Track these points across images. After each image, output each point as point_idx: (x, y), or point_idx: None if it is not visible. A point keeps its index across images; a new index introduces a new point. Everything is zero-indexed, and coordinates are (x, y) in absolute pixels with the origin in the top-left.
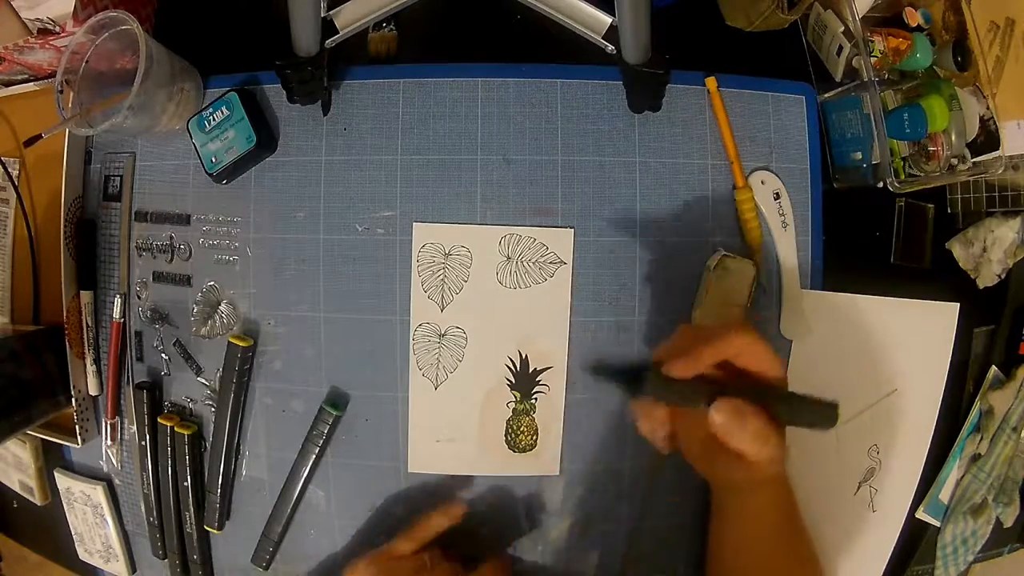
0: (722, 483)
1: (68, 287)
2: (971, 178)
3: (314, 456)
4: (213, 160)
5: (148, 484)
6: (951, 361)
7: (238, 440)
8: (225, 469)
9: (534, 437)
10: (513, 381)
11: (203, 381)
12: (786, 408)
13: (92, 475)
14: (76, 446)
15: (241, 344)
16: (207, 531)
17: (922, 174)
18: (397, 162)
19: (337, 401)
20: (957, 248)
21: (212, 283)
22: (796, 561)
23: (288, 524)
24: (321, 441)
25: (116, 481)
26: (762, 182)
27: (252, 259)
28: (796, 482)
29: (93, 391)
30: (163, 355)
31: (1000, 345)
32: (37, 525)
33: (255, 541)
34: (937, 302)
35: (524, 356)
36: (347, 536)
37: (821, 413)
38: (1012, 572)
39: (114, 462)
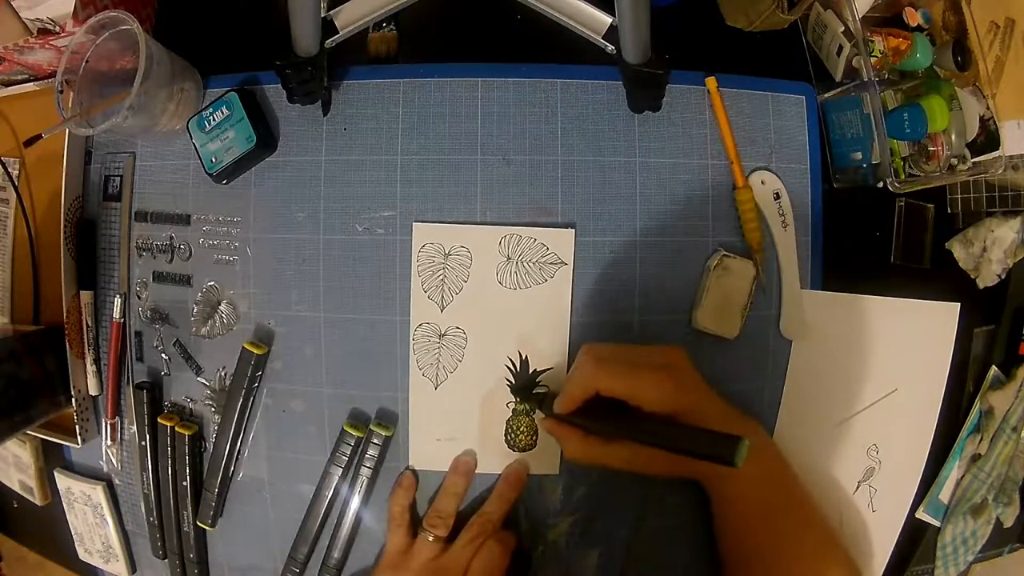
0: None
1: (68, 287)
2: (971, 178)
3: (340, 478)
4: (213, 160)
5: (148, 484)
6: (951, 361)
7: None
8: (225, 470)
9: (533, 437)
10: (513, 381)
11: (203, 381)
12: (678, 439)
13: (92, 475)
14: (76, 446)
15: (256, 351)
16: (204, 530)
17: (922, 174)
18: (397, 162)
19: (357, 422)
20: (957, 248)
21: (212, 283)
22: (803, 542)
23: (313, 546)
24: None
25: (116, 481)
26: (762, 182)
27: (252, 259)
28: None
29: (93, 391)
30: (163, 355)
31: (1000, 345)
32: (37, 525)
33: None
34: (937, 302)
35: (524, 356)
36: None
37: (718, 447)
38: (1012, 572)
39: (114, 462)
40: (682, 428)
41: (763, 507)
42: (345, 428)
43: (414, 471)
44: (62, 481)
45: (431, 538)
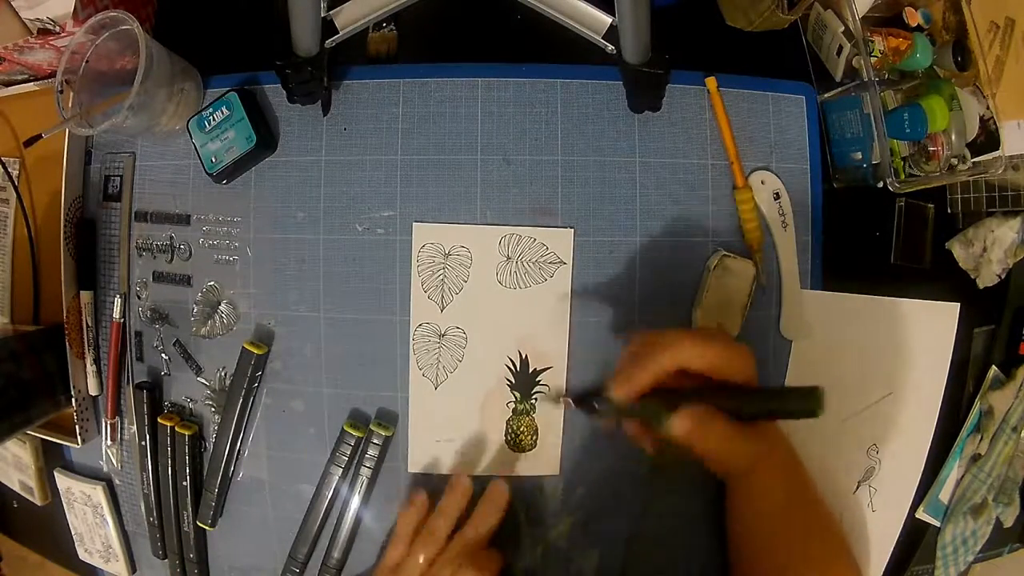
0: (716, 471)
1: (68, 287)
2: (971, 178)
3: (340, 478)
4: (213, 160)
5: (148, 484)
6: (951, 361)
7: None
8: (225, 470)
9: (534, 437)
10: (513, 381)
11: (203, 381)
12: (760, 403)
13: (92, 475)
14: (76, 446)
15: (256, 351)
16: (204, 530)
17: (922, 174)
18: (397, 162)
19: (357, 421)
20: (957, 248)
21: (212, 283)
22: (814, 540)
23: (313, 546)
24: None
25: (116, 481)
26: (762, 182)
27: (252, 259)
28: None
29: (93, 391)
30: (163, 355)
31: (1000, 345)
32: (37, 525)
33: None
34: (937, 302)
35: (524, 356)
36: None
37: (800, 401)
38: (1012, 572)
39: (114, 462)
40: (765, 390)
41: (782, 501)
42: (345, 428)
43: (429, 495)
44: (62, 481)
45: (420, 559)
